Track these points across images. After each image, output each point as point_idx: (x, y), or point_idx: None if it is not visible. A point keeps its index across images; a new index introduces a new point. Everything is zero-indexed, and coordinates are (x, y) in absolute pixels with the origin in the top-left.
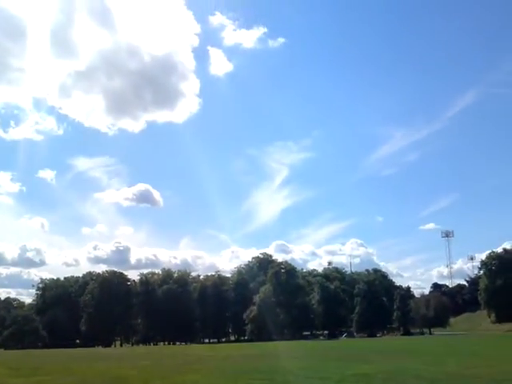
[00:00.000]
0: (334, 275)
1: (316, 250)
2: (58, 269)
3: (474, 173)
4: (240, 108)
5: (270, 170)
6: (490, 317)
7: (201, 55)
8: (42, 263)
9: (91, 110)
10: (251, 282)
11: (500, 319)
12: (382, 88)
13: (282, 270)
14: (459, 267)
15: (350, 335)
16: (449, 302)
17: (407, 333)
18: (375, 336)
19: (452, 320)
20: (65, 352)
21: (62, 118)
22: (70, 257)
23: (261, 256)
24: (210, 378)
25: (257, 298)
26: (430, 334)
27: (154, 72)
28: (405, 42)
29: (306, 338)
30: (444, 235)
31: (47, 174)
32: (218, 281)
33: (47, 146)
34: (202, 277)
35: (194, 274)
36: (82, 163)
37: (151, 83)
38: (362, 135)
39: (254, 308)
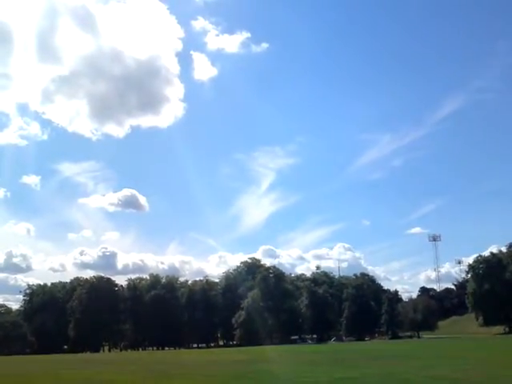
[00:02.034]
0: (322, 279)
1: (303, 254)
2: (45, 274)
3: (460, 177)
4: (225, 113)
5: (257, 174)
6: (477, 320)
7: (184, 60)
8: (28, 269)
9: (75, 115)
10: (239, 286)
11: (487, 322)
12: (369, 93)
13: (271, 275)
14: (446, 271)
15: (339, 339)
16: (436, 306)
17: (395, 336)
18: (364, 340)
19: (440, 323)
20: (53, 358)
21: (46, 123)
22: (57, 262)
23: (249, 261)
24: (198, 383)
25: (245, 303)
26: (418, 337)
27: (138, 76)
28: (391, 47)
29: (294, 342)
30: (431, 239)
31: (32, 180)
32: (206, 286)
33: (31, 152)
34: (189, 282)
35: (181, 279)
36: (67, 168)
37: (135, 88)
38: (349, 140)
39: (243, 313)
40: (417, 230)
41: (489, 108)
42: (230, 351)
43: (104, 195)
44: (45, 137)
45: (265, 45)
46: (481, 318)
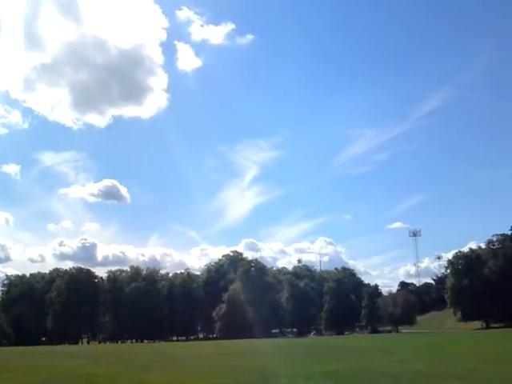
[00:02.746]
0: (303, 273)
1: (285, 247)
2: (24, 265)
3: (442, 173)
4: (209, 105)
5: (240, 167)
6: (456, 315)
7: (168, 50)
8: (6, 259)
9: (56, 104)
10: (221, 279)
11: (466, 318)
12: (354, 87)
13: (252, 268)
14: (426, 266)
15: (319, 333)
16: (416, 301)
17: (375, 331)
18: (343, 334)
19: (419, 318)
20: (30, 349)
21: (27, 112)
22: (36, 253)
23: (231, 254)
24: (177, 376)
25: (226, 296)
26: (397, 332)
27: (121, 66)
28: (377, 42)
29: (275, 335)
30: (411, 234)
31: (12, 169)
32: (187, 278)
33: (12, 140)
34: (170, 274)
35: (162, 271)
36: (47, 158)
37: (118, 77)
38: (334, 134)
39: (224, 306)
40: (397, 224)
41: (472, 104)
42: (210, 344)
43: (84, 185)
44: (26, 125)
45: (250, 36)
46: (459, 314)
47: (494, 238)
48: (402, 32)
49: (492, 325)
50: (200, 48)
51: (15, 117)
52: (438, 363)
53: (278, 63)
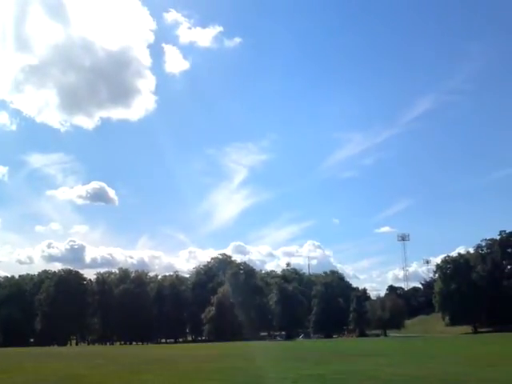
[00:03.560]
0: (292, 276)
1: (273, 251)
2: (12, 266)
3: (430, 178)
4: (197, 107)
5: (229, 170)
6: (443, 319)
7: (156, 52)
8: None
9: (44, 106)
10: (210, 282)
11: (453, 322)
12: (342, 91)
13: (241, 271)
14: (414, 270)
15: (307, 336)
16: (404, 305)
17: (363, 334)
18: (331, 337)
19: (407, 322)
20: (19, 351)
21: (14, 114)
22: (24, 254)
23: (220, 257)
24: (165, 377)
25: (215, 299)
26: (385, 335)
27: (108, 68)
28: (365, 46)
29: (263, 338)
30: (400, 238)
31: None
32: (176, 281)
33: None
34: (159, 277)
35: (151, 274)
36: (35, 160)
37: (106, 79)
38: (321, 138)
39: (212, 308)
40: (386, 229)
41: (460, 109)
42: (199, 346)
43: (72, 187)
44: (13, 127)
45: (238, 39)
46: (447, 318)
47: (483, 243)
48: (390, 36)
49: (480, 329)
50: (188, 50)
51: (3, 118)
52: (427, 367)
53: (266, 66)
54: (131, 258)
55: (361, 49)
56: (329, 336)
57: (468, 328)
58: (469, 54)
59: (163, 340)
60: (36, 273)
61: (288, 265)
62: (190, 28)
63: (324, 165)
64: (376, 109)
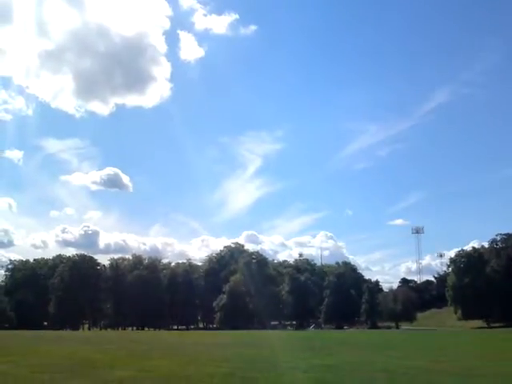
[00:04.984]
0: (304, 267)
1: (286, 241)
2: (26, 250)
3: (444, 171)
4: (212, 95)
5: (243, 159)
6: (456, 313)
7: (172, 39)
8: (9, 244)
9: (59, 91)
10: (222, 270)
11: (466, 316)
12: (358, 81)
13: (254, 260)
14: (427, 263)
15: (318, 326)
16: (416, 298)
17: (374, 326)
18: (342, 328)
19: (419, 315)
20: (32, 334)
21: (31, 98)
22: (38, 239)
23: (232, 245)
24: (176, 364)
25: (227, 287)
26: (397, 328)
27: (124, 54)
28: (381, 38)
29: (274, 327)
30: (414, 231)
31: (15, 155)
32: (189, 268)
33: (15, 126)
34: (172, 264)
35: (164, 261)
36: (51, 145)
37: (121, 66)
38: (336, 128)
39: (224, 296)
40: (399, 221)
41: (477, 102)
42: (211, 334)
43: (87, 173)
44: (29, 112)
45: (253, 27)
46: (459, 312)
47: (498, 238)
48: (407, 28)
49: (492, 324)
50: (203, 38)
51: (19, 103)
52: (439, 360)
53: (282, 55)
54: (144, 244)
55: (377, 40)
56: (340, 327)
57: (480, 323)
58: (486, 47)
59: (175, 327)
60: (50, 257)
61: (300, 255)
62: (205, 15)
63: (338, 155)
64: (392, 100)
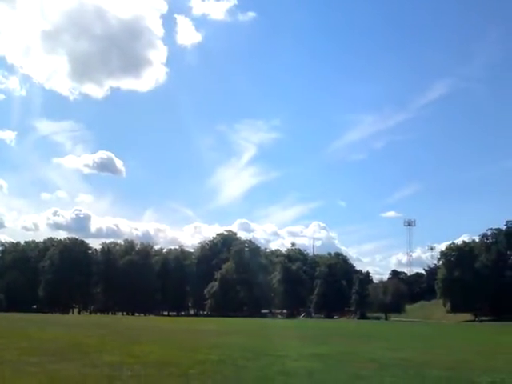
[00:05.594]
0: (296, 256)
1: (278, 230)
2: (17, 233)
3: (439, 164)
4: (208, 81)
5: (238, 147)
6: (445, 306)
7: (168, 23)
8: (0, 225)
9: (54, 72)
10: (214, 258)
11: (454, 309)
12: (355, 73)
13: (246, 249)
14: (417, 256)
15: (308, 315)
16: (406, 290)
17: (363, 317)
18: (332, 318)
19: (408, 307)
20: (21, 316)
21: (25, 79)
22: (30, 221)
23: (225, 233)
24: (168, 349)
25: (218, 275)
26: (386, 319)
27: (120, 37)
28: (379, 29)
29: (264, 316)
30: (406, 224)
31: (7, 135)
32: (181, 255)
33: (9, 106)
34: (164, 250)
35: (156, 247)
36: (44, 126)
37: (117, 48)
38: (332, 118)
39: (216, 284)
40: (391, 213)
41: (473, 97)
42: (202, 321)
43: (80, 156)
44: (23, 92)
45: (251, 14)
46: (448, 305)
47: (489, 233)
48: (408, 18)
49: (480, 318)
50: (200, 23)
51: (13, 83)
52: (428, 353)
53: (280, 43)
54: (136, 229)
55: (377, 29)
56: (329, 316)
57: (468, 316)
58: (486, 40)
59: (165, 312)
60: (41, 240)
61: (293, 245)
62: (203, 0)
63: (333, 146)
64: (389, 92)
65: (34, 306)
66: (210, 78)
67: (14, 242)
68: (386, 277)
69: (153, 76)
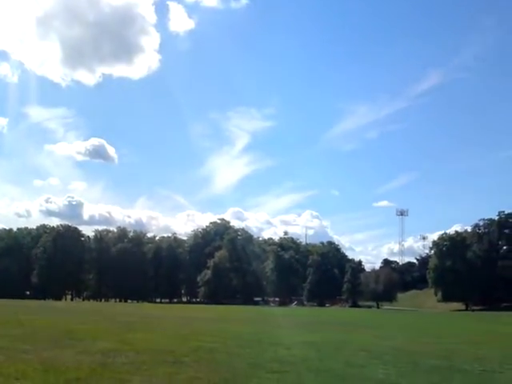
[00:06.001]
0: (289, 245)
1: (271, 219)
2: (10, 219)
3: (432, 154)
4: (201, 69)
5: (231, 135)
6: (436, 295)
7: (161, 9)
8: None
9: (46, 59)
10: (207, 246)
11: (446, 299)
12: (349, 61)
13: (239, 237)
14: (409, 245)
15: (300, 303)
16: (398, 279)
17: (355, 305)
18: (324, 306)
19: (399, 296)
20: (14, 303)
21: (16, 65)
22: (22, 208)
23: (218, 221)
24: (159, 336)
25: (211, 263)
26: (378, 307)
27: (113, 23)
28: (372, 18)
29: (257, 303)
30: (399, 213)
31: None
32: (174, 243)
33: (0, 93)
34: (157, 238)
35: (149, 234)
36: (36, 113)
37: (110, 35)
38: (326, 108)
39: (208, 272)
40: (384, 203)
41: (466, 87)
42: (195, 308)
43: (72, 143)
44: (14, 78)
45: (244, 1)
46: (439, 294)
47: (481, 223)
48: (401, 6)
49: (471, 307)
50: (193, 9)
51: (4, 69)
52: (420, 341)
53: (273, 31)
54: (129, 217)
55: (371, 18)
56: (322, 305)
57: (459, 305)
58: (481, 29)
59: (158, 300)
60: (34, 227)
61: (285, 233)
62: None
63: (327, 135)
64: (383, 81)
65: (27, 293)
66: (203, 65)
67: (7, 228)
68: (378, 266)
69: (145, 63)
